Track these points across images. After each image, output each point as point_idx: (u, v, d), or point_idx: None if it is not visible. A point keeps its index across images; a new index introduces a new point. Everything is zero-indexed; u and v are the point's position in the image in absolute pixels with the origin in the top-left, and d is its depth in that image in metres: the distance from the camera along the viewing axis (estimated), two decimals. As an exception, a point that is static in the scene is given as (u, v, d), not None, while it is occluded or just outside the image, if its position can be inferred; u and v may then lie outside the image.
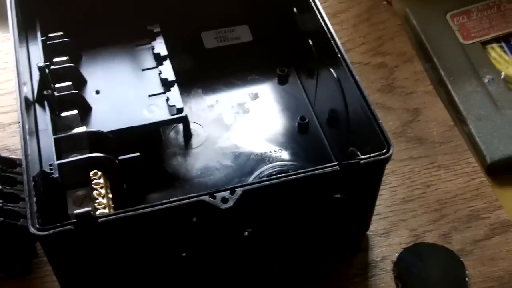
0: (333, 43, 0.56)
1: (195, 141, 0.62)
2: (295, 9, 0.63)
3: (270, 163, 0.60)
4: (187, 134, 0.62)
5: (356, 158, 0.49)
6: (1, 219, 0.51)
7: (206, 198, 0.47)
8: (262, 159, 0.61)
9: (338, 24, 0.72)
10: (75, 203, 0.53)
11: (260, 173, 0.59)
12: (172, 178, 0.59)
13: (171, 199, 0.47)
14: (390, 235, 0.58)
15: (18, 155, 0.57)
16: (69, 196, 0.53)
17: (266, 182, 0.48)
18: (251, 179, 0.59)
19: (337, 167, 0.49)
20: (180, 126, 0.62)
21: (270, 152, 0.61)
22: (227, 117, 0.64)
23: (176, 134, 0.63)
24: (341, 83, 0.56)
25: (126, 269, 0.51)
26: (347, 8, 0.74)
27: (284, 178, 0.49)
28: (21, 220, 0.52)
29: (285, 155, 0.61)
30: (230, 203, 0.47)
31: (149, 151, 0.59)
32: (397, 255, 0.57)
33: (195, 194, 0.48)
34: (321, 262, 0.56)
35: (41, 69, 0.55)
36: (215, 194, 0.47)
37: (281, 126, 0.63)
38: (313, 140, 0.62)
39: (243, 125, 0.63)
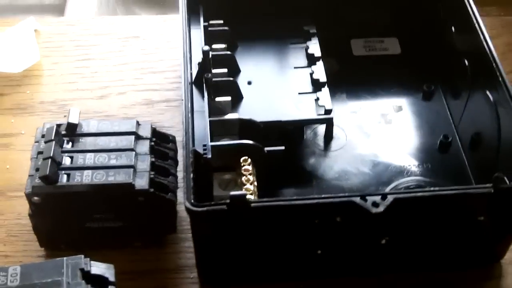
0: (494, 66, 0.56)
1: (335, 144, 0.63)
2: (453, 28, 0.63)
3: (408, 176, 0.60)
4: (329, 135, 0.63)
5: (512, 183, 0.49)
6: (152, 190, 0.52)
7: (357, 199, 0.48)
8: (401, 171, 0.61)
9: (486, 50, 0.71)
10: (220, 186, 0.54)
11: (398, 184, 0.59)
12: (310, 177, 0.60)
13: (323, 195, 0.48)
14: (524, 267, 0.57)
15: (164, 131, 0.59)
16: (215, 178, 0.54)
17: (418, 194, 0.49)
18: (387, 189, 0.59)
19: (491, 189, 0.49)
20: (321, 127, 0.63)
21: (409, 165, 0.61)
22: (368, 125, 0.64)
23: (315, 134, 0.63)
24: (497, 107, 0.56)
25: (263, 255, 0.52)
26: (497, 35, 0.73)
27: (436, 192, 0.49)
28: (169, 194, 0.54)
29: (423, 171, 0.61)
30: (381, 209, 0.47)
31: (289, 147, 0.60)
32: (530, 289, 0.56)
33: (346, 194, 0.48)
34: (453, 284, 0.55)
35: (205, 52, 0.57)
36: (367, 197, 0.48)
37: (422, 141, 0.63)
38: (453, 160, 0.62)
39: (384, 135, 0.63)
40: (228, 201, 0.47)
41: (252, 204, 0.47)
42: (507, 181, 0.52)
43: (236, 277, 0.54)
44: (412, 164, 0.61)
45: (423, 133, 0.64)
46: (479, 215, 0.51)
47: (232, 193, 0.47)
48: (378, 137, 0.63)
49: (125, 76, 0.69)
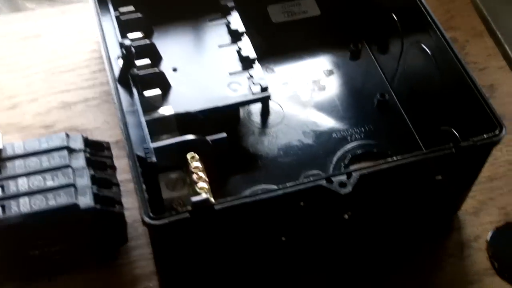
0: (429, 18, 0.54)
1: (272, 120, 0.60)
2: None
3: (352, 141, 0.59)
4: (266, 112, 0.60)
5: (472, 139, 0.48)
6: (98, 206, 0.48)
7: (324, 183, 0.46)
8: (344, 137, 0.59)
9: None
10: (168, 187, 0.51)
11: (345, 152, 0.58)
12: (254, 158, 0.58)
13: (287, 185, 0.45)
14: (480, 214, 0.57)
15: (89, 135, 0.54)
16: (161, 180, 0.51)
17: (383, 166, 0.47)
18: (335, 159, 0.57)
19: (453, 149, 0.47)
20: (255, 104, 0.60)
21: (351, 130, 0.59)
22: (303, 95, 0.62)
23: (250, 113, 0.60)
24: (435, 59, 0.54)
25: (229, 255, 0.49)
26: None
27: (400, 162, 0.47)
28: (116, 206, 0.49)
29: (366, 133, 0.59)
30: (349, 188, 0.46)
31: (227, 131, 0.56)
32: (490, 234, 0.56)
33: (311, 179, 0.46)
34: (416, 243, 0.55)
35: (127, 48, 0.52)
36: (332, 179, 0.46)
37: (359, 103, 0.61)
38: (393, 117, 0.61)
39: (321, 103, 0.61)
40: (189, 208, 0.44)
41: (216, 207, 0.44)
42: (456, 133, 0.52)
43: (203, 281, 0.51)
44: (353, 128, 0.60)
45: (358, 94, 0.62)
46: (437, 174, 0.50)
47: (194, 199, 0.44)
48: (315, 106, 0.61)
49: (33, 81, 0.62)
